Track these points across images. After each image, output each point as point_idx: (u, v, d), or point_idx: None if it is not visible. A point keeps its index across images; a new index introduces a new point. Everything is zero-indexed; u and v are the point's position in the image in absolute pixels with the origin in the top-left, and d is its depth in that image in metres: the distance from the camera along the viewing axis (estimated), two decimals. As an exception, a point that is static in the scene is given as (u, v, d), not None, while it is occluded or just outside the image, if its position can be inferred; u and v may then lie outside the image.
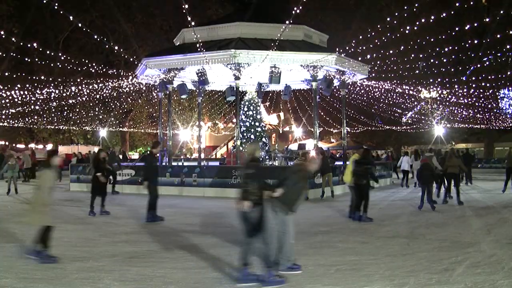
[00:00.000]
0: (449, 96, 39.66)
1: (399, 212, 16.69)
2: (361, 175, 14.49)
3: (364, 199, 14.55)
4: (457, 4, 22.90)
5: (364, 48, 25.05)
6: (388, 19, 25.47)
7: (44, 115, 44.72)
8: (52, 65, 41.42)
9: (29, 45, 28.81)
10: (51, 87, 33.65)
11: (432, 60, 31.16)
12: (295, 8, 19.08)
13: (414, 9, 24.71)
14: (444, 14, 21.47)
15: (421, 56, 30.41)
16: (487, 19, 31.43)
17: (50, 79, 36.60)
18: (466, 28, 23.49)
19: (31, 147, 54.27)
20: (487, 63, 36.09)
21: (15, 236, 12.11)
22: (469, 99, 39.30)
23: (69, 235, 12.20)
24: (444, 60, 31.08)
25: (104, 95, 37.37)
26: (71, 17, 22.93)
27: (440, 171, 19.08)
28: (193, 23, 22.08)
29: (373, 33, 23.95)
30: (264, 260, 8.20)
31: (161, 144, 24.20)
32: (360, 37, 24.15)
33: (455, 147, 51.69)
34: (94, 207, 16.35)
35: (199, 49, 22.44)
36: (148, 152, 15.42)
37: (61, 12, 22.57)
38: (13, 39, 31.83)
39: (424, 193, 17.07)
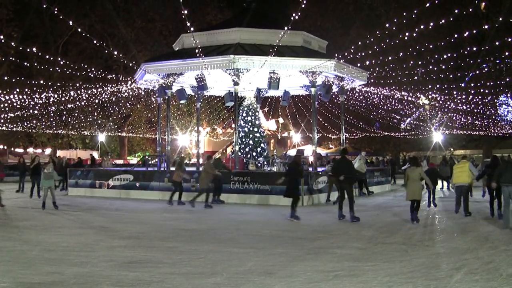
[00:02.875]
0: (448, 103, 39.69)
1: (397, 218, 16.69)
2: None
3: (497, 196, 16.50)
4: (456, 11, 23.01)
5: (363, 54, 25.09)
6: (387, 25, 25.56)
7: (43, 120, 44.67)
8: (51, 69, 41.42)
9: (28, 49, 28.84)
10: (50, 92, 33.64)
11: (431, 67, 31.22)
12: (294, 14, 19.13)
13: (413, 16, 24.75)
14: (443, 21, 21.54)
15: (420, 62, 30.50)
16: (486, 26, 31.48)
17: (49, 83, 36.60)
18: (465, 35, 23.56)
19: None
20: (486, 69, 36.16)
21: (13, 240, 12.10)
22: (468, 106, 39.35)
23: (67, 240, 12.20)
24: (443, 67, 31.14)
25: (103, 99, 37.38)
26: (70, 22, 23.00)
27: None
28: (192, 29, 22.18)
29: (372, 39, 24.02)
30: None
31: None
32: (359, 43, 24.19)
33: (453, 153, 51.76)
34: (296, 210, 16.32)
35: (198, 54, 22.47)
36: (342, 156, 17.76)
37: (61, 16, 22.68)
38: (12, 43, 31.87)
39: (430, 193, 20.01)
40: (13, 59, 37.21)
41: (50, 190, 19.31)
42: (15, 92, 32.21)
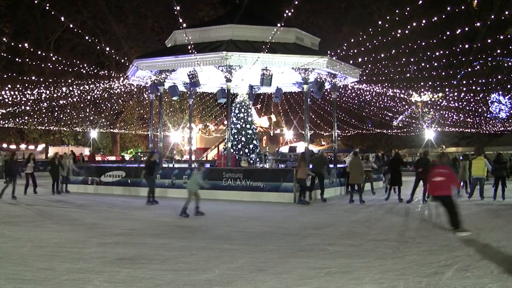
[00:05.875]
0: (440, 100, 39.79)
1: (390, 215, 16.72)
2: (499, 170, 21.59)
3: (503, 184, 21.45)
4: (448, 9, 23.04)
5: (355, 51, 25.11)
6: (380, 22, 25.57)
7: (35, 116, 44.57)
8: (43, 65, 41.30)
9: (20, 45, 28.73)
10: (42, 88, 33.49)
11: (423, 64, 31.27)
12: (286, 11, 19.11)
13: (406, 13, 24.80)
14: (435, 19, 21.57)
15: (412, 59, 30.54)
16: (478, 24, 31.53)
17: (41, 79, 36.42)
18: (457, 32, 23.57)
19: None
20: (478, 67, 36.25)
21: (4, 236, 12.05)
22: (460, 103, 39.45)
23: (59, 236, 12.16)
24: (435, 64, 31.19)
25: (95, 96, 37.26)
26: (62, 18, 22.81)
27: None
28: (184, 25, 22.07)
29: (364, 37, 24.01)
30: None
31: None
32: (352, 40, 24.18)
33: (445, 151, 51.90)
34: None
35: (190, 51, 22.42)
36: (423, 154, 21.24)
37: (53, 12, 22.53)
38: (4, 39, 31.70)
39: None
40: (5, 55, 37.02)
41: (196, 195, 16.24)
42: (6, 88, 32.05)
